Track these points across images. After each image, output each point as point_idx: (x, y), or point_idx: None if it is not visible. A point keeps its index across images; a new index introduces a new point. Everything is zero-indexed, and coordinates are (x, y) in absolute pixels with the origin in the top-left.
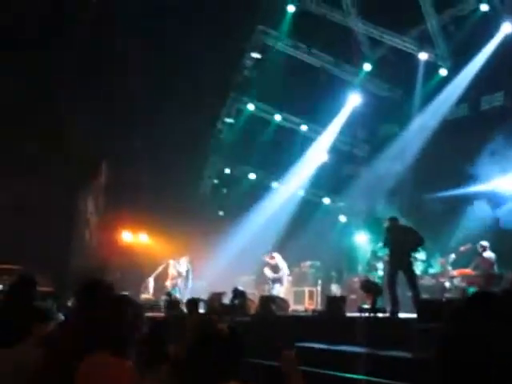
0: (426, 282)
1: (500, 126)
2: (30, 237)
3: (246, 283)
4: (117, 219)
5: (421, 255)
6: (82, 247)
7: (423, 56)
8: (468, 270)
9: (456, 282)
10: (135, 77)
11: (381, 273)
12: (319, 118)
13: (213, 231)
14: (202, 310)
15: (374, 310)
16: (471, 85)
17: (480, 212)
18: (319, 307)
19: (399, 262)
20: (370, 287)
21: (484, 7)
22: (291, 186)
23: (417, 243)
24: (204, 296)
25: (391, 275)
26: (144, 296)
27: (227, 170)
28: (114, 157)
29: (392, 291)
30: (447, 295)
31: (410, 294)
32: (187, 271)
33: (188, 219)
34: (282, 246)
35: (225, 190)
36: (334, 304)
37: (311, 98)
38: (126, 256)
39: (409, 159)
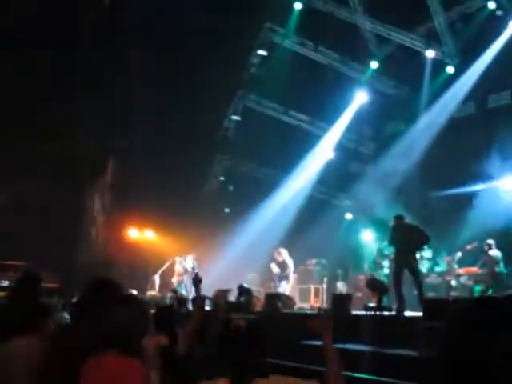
0: (432, 280)
1: (507, 124)
2: (36, 234)
3: (251, 280)
4: (123, 216)
5: (427, 253)
6: (89, 244)
7: (430, 54)
8: (474, 269)
9: (462, 280)
10: (141, 75)
11: (387, 271)
12: (326, 115)
13: (219, 228)
14: (207, 308)
15: (379, 308)
16: (478, 83)
17: (487, 210)
18: (325, 305)
19: (405, 260)
20: (375, 285)
21: (491, 5)
22: (297, 183)
23: (422, 242)
24: (210, 293)
25: (397, 273)
26: (150, 293)
27: (233, 168)
28: (121, 154)
29: (398, 289)
30: (453, 293)
31: (415, 292)
32: (193, 268)
33: (194, 216)
34: (287, 244)
35: (231, 188)
36: (340, 302)
37: (318, 95)
38: (132, 253)
39: (415, 157)
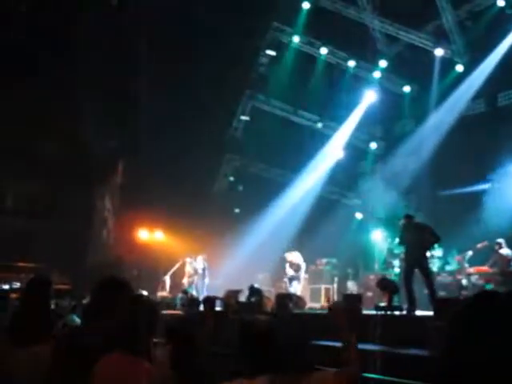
0: (442, 279)
1: None
2: (48, 236)
3: (262, 281)
4: (133, 217)
5: (438, 252)
6: (99, 245)
7: (439, 52)
8: (485, 268)
9: (473, 279)
10: (151, 76)
11: (397, 270)
12: (335, 114)
13: (229, 229)
14: (218, 308)
15: (390, 307)
16: (488, 81)
17: (497, 209)
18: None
19: (415, 259)
20: (386, 285)
21: (500, 2)
22: (307, 183)
23: (433, 241)
24: (220, 294)
25: (407, 273)
26: (160, 294)
27: (243, 168)
28: (131, 156)
29: (408, 289)
30: (464, 293)
31: (426, 291)
32: (203, 269)
33: (204, 217)
34: (298, 244)
35: (241, 188)
36: (350, 302)
37: (327, 95)
38: (142, 254)
39: (425, 156)
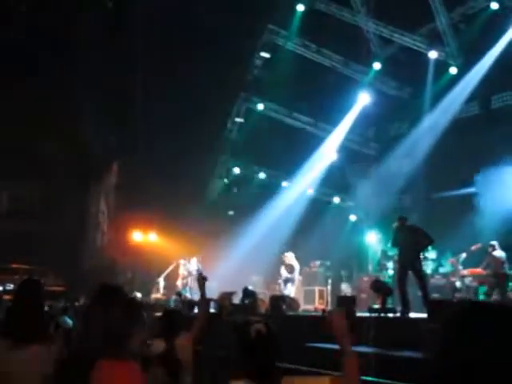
0: (436, 281)
1: (510, 125)
2: (42, 237)
3: (256, 283)
4: (127, 219)
5: (431, 254)
6: (94, 247)
7: (433, 54)
8: (479, 270)
9: (467, 281)
10: (146, 77)
11: (391, 272)
12: (329, 117)
13: (223, 231)
14: (212, 310)
15: (384, 309)
16: (482, 83)
17: (491, 211)
18: (329, 307)
19: (409, 261)
20: (379, 287)
21: (494, 5)
22: (301, 185)
23: (426, 243)
24: (215, 296)
25: (401, 275)
26: (154, 296)
27: (237, 170)
28: (125, 157)
29: (402, 291)
30: (458, 295)
31: (420, 293)
32: (198, 271)
33: (198, 219)
34: (291, 246)
35: (235, 190)
36: (344, 304)
37: (321, 97)
38: (136, 256)
39: (419, 158)
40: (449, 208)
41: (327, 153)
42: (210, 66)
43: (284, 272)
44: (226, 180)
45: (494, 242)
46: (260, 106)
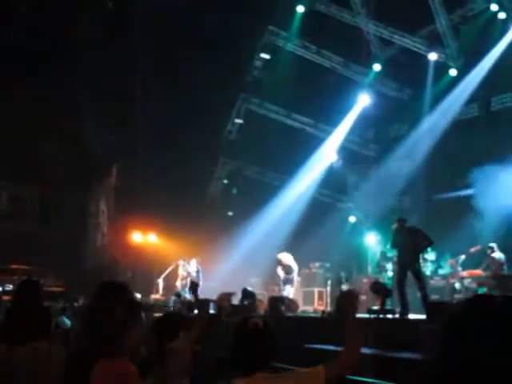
0: (436, 282)
1: (510, 126)
2: (42, 237)
3: (255, 284)
4: (127, 220)
5: (431, 256)
6: (94, 248)
7: (433, 56)
8: (478, 271)
9: (466, 283)
10: (146, 78)
11: (390, 274)
12: (329, 118)
13: (222, 232)
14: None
15: (383, 311)
16: (481, 85)
17: (490, 212)
18: (329, 308)
19: (408, 263)
20: (379, 289)
21: (494, 7)
22: (301, 186)
23: (425, 244)
24: (214, 297)
25: (400, 276)
26: (154, 296)
27: (237, 171)
28: (125, 158)
29: (401, 292)
30: (457, 296)
31: (419, 295)
32: (197, 272)
33: (198, 220)
34: (291, 247)
35: (234, 191)
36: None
37: (321, 98)
38: (136, 256)
39: (419, 159)
40: (448, 209)
41: (327, 154)
42: (210, 67)
43: (281, 272)
44: (225, 181)
45: (492, 244)
46: (260, 107)
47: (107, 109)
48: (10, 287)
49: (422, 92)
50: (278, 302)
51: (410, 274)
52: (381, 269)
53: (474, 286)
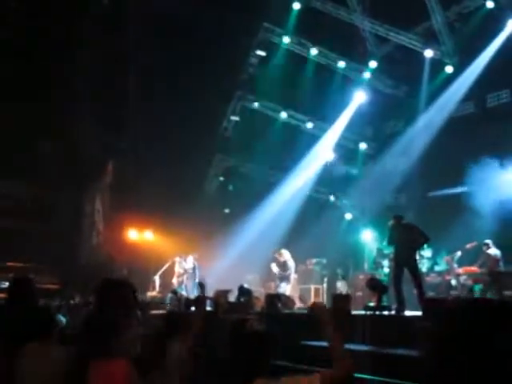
0: (432, 279)
1: (506, 123)
2: (37, 235)
3: (251, 281)
4: (123, 217)
5: (427, 252)
6: (90, 245)
7: (429, 53)
8: (474, 268)
9: (462, 279)
10: (141, 76)
11: (387, 270)
12: (325, 115)
13: (219, 229)
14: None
15: (379, 307)
16: (477, 82)
17: (486, 209)
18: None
19: (404, 260)
20: (375, 285)
21: (490, 4)
22: (297, 183)
23: (422, 241)
24: (210, 294)
25: (396, 273)
26: (150, 294)
27: (233, 168)
28: (120, 155)
29: (397, 289)
30: (453, 293)
31: (415, 291)
32: (194, 268)
33: (194, 217)
34: (287, 244)
35: (231, 188)
36: (340, 302)
37: (317, 95)
38: (132, 254)
39: (414, 157)
40: (444, 206)
41: (323, 151)
42: (206, 65)
43: (275, 268)
44: (221, 178)
45: (488, 241)
46: (255, 105)
47: (102, 107)
48: (5, 285)
49: (418, 89)
50: (274, 299)
51: (406, 271)
52: (377, 265)
53: (469, 282)
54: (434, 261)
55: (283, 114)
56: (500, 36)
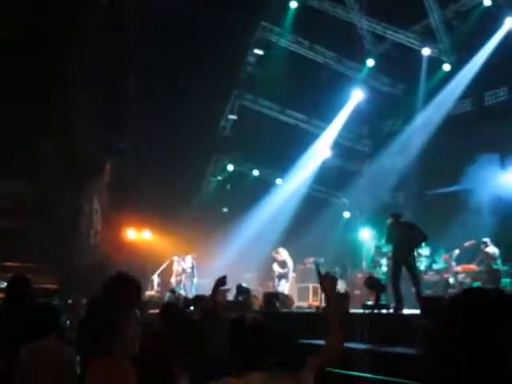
0: (430, 277)
1: (503, 121)
2: (36, 235)
3: (250, 280)
4: (121, 217)
5: (425, 251)
6: (87, 245)
7: (426, 51)
8: (472, 266)
9: (460, 277)
10: (139, 75)
11: (385, 269)
12: (322, 114)
13: (217, 228)
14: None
15: (377, 306)
16: (475, 80)
17: (484, 207)
18: (323, 304)
19: (402, 258)
20: (373, 284)
21: (487, 1)
22: (295, 182)
23: (420, 239)
24: (209, 293)
25: (395, 271)
26: (149, 293)
27: (231, 167)
28: (118, 155)
29: (396, 287)
30: (451, 291)
31: (413, 289)
32: (192, 268)
33: (192, 216)
34: (285, 243)
35: (229, 187)
36: (338, 300)
37: (314, 94)
38: (130, 253)
39: (412, 155)
40: (442, 205)
41: (321, 150)
42: (204, 63)
43: (277, 268)
44: (219, 177)
45: (486, 239)
46: (253, 103)
47: (100, 106)
48: (3, 284)
49: (416, 87)
50: (272, 297)
51: (404, 269)
52: (375, 264)
53: (467, 280)
54: (432, 259)
55: (281, 113)
56: (497, 34)
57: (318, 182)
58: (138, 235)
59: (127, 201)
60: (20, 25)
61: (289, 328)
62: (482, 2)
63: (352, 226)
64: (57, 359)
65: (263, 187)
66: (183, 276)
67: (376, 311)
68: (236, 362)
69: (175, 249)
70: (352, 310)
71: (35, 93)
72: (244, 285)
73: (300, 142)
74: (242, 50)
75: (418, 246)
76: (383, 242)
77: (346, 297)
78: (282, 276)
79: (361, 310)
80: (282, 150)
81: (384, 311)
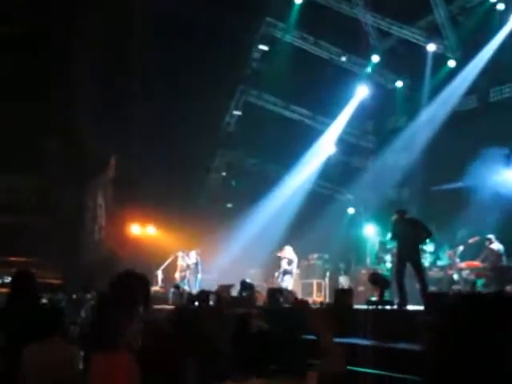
0: (434, 274)
1: (509, 118)
2: (40, 230)
3: (254, 276)
4: (125, 212)
5: (429, 247)
6: (92, 240)
7: (431, 47)
8: (476, 263)
9: (464, 274)
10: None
11: (389, 265)
12: (327, 110)
13: (221, 224)
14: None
15: (381, 302)
16: (480, 76)
17: (489, 203)
18: (327, 299)
19: (407, 254)
20: (377, 280)
21: None
22: (299, 178)
23: (425, 236)
24: (213, 289)
25: (399, 267)
26: (153, 288)
27: (235, 163)
28: (123, 151)
29: (400, 283)
30: (455, 287)
31: (417, 286)
32: (196, 263)
33: (196, 212)
34: (290, 239)
35: (233, 183)
36: (342, 296)
37: (319, 90)
38: (134, 248)
39: (417, 151)
40: (447, 201)
41: (325, 146)
42: (209, 59)
43: (285, 265)
44: (224, 173)
45: (491, 235)
46: (258, 99)
47: (105, 102)
48: (8, 279)
49: (421, 83)
50: (276, 293)
51: (408, 266)
52: (379, 260)
53: (472, 277)
54: (436, 255)
55: (286, 109)
56: (503, 30)
57: (322, 178)
58: (142, 230)
59: (132, 196)
60: (20, 25)
61: (292, 323)
62: None
63: (356, 222)
64: (59, 359)
65: (268, 183)
66: (187, 271)
67: (380, 307)
68: (238, 366)
69: (179, 244)
70: (356, 306)
71: (39, 92)
72: (248, 281)
73: (304, 137)
74: (247, 45)
75: (423, 242)
76: (388, 238)
77: (349, 293)
78: (286, 272)
79: (365, 306)
80: (287, 146)
81: (388, 307)
